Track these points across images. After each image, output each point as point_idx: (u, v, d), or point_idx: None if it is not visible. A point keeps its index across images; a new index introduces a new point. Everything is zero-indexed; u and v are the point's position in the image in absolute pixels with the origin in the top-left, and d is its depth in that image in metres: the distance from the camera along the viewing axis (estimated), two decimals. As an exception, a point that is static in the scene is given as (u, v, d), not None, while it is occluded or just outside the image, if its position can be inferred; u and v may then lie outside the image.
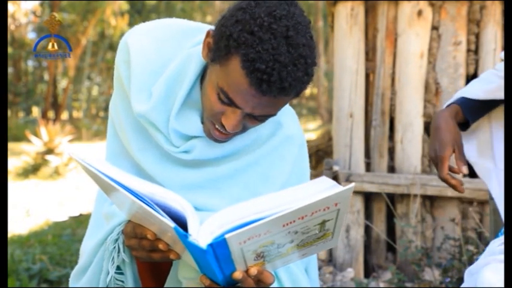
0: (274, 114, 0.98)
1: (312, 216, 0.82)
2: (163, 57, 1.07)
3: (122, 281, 1.08)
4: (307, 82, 0.93)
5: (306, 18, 0.92)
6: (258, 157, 1.10)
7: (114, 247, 1.04)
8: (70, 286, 1.16)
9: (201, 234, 0.82)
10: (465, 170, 1.25)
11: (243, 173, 1.10)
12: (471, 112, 1.36)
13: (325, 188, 0.86)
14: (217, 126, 1.00)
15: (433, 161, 1.28)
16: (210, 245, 0.80)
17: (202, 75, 1.05)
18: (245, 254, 0.84)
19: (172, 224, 0.81)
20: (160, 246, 0.92)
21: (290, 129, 1.14)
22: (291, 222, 0.81)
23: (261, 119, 0.98)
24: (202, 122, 1.05)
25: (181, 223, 0.83)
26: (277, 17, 0.88)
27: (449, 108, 1.32)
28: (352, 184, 0.81)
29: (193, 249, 0.82)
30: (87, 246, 1.13)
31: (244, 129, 1.01)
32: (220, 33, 0.92)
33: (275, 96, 0.90)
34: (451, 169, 1.26)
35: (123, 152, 1.13)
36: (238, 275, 0.87)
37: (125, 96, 1.10)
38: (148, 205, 0.84)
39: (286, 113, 1.16)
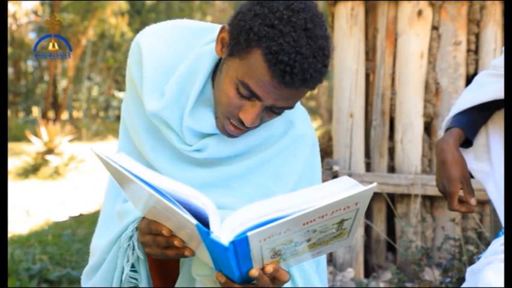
0: (292, 107, 0.99)
1: (332, 215, 0.82)
2: (174, 57, 1.08)
3: (136, 279, 1.08)
4: (325, 74, 0.94)
5: (320, 12, 0.94)
6: (270, 156, 1.11)
7: (129, 244, 1.05)
8: (82, 284, 1.16)
9: (223, 232, 0.81)
10: (473, 201, 1.28)
11: (256, 172, 1.10)
12: (472, 128, 1.36)
13: (346, 187, 0.86)
14: (232, 121, 1.00)
15: (442, 193, 1.31)
16: (232, 243, 0.80)
17: (213, 73, 1.05)
18: (263, 251, 0.84)
19: (194, 221, 0.81)
20: (176, 242, 0.92)
21: (302, 128, 1.14)
22: (311, 221, 0.81)
23: (278, 111, 0.99)
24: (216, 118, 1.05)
25: (200, 220, 0.83)
26: (296, 10, 0.90)
27: (452, 135, 1.32)
28: (374, 184, 0.81)
29: (214, 246, 0.82)
30: (99, 244, 1.13)
31: (260, 123, 1.01)
32: (238, 27, 0.92)
33: (297, 88, 0.91)
34: (459, 199, 1.29)
35: (135, 152, 1.13)
36: (254, 272, 0.87)
37: (137, 97, 1.10)
38: (169, 201, 0.83)
39: (298, 112, 1.16)
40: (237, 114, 0.98)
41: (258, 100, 0.95)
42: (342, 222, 0.86)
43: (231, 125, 1.01)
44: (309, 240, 0.87)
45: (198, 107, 1.05)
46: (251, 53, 0.90)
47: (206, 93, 1.05)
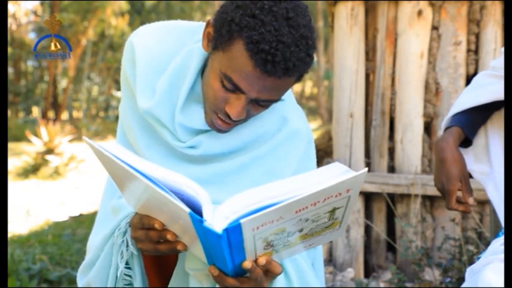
0: (278, 99, 0.99)
1: (324, 203, 0.82)
2: (166, 55, 1.09)
3: (130, 276, 1.07)
4: (309, 64, 0.94)
5: (303, 3, 0.95)
6: (264, 152, 1.11)
7: (123, 241, 1.04)
8: (78, 281, 1.16)
9: (216, 220, 0.81)
10: (471, 201, 1.28)
11: (249, 168, 1.10)
12: (472, 128, 1.36)
13: (338, 173, 0.86)
14: (220, 116, 1.00)
15: (440, 192, 1.31)
16: (225, 230, 0.79)
17: (203, 69, 1.05)
18: (256, 241, 0.84)
19: (187, 209, 0.80)
20: (169, 236, 0.91)
21: (296, 125, 1.14)
22: (303, 209, 0.81)
23: (264, 104, 0.99)
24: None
25: (193, 210, 0.82)
26: (277, 0, 0.90)
27: (452, 134, 1.32)
28: (365, 169, 0.81)
29: (207, 234, 0.81)
30: (94, 241, 1.13)
31: (247, 117, 1.01)
32: (221, 20, 0.93)
33: (280, 77, 0.91)
34: (457, 199, 1.29)
35: (131, 151, 1.13)
36: (248, 264, 0.87)
37: (131, 95, 1.11)
38: (162, 190, 0.82)
39: (292, 109, 1.16)
40: (223, 107, 0.98)
41: (242, 93, 0.95)
42: (333, 210, 0.86)
43: (219, 119, 1.01)
44: (301, 231, 0.87)
45: (189, 104, 1.06)
46: (233, 45, 0.91)
47: (196, 90, 1.06)
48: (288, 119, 1.13)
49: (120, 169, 0.86)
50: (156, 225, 0.91)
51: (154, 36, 1.11)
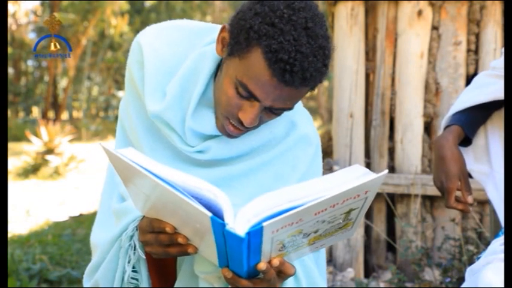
0: (291, 108, 0.99)
1: (343, 205, 0.82)
2: (176, 57, 1.08)
3: (137, 279, 1.07)
4: (325, 73, 0.94)
5: (320, 12, 0.94)
6: (272, 157, 1.11)
7: (130, 244, 1.04)
8: (84, 284, 1.15)
9: (238, 223, 0.81)
10: (471, 199, 1.27)
11: (257, 172, 1.10)
12: (471, 127, 1.36)
13: (358, 175, 0.86)
14: (232, 121, 1.00)
15: (439, 190, 1.31)
16: (247, 234, 0.79)
17: (215, 73, 1.05)
18: (273, 244, 0.84)
19: (209, 214, 0.80)
20: (180, 239, 0.91)
21: (304, 129, 1.14)
22: (322, 211, 0.81)
23: (277, 112, 0.99)
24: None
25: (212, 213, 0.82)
26: (296, 9, 0.90)
27: (451, 132, 1.32)
28: (385, 171, 0.81)
29: (228, 238, 0.81)
30: (99, 242, 1.12)
31: (259, 123, 1.01)
32: (239, 26, 0.92)
33: (296, 87, 0.91)
34: (456, 197, 1.28)
35: None
36: (262, 265, 0.86)
37: (137, 97, 1.10)
38: (182, 194, 0.82)
39: (300, 113, 1.16)
40: (236, 114, 0.97)
41: (256, 101, 0.94)
42: (349, 212, 0.86)
43: (231, 125, 1.00)
44: (316, 232, 0.86)
45: (200, 108, 1.05)
46: (251, 52, 0.90)
47: (208, 94, 1.05)
48: (297, 123, 1.13)
49: (137, 175, 0.84)
50: (168, 229, 0.90)
51: (162, 38, 1.10)
